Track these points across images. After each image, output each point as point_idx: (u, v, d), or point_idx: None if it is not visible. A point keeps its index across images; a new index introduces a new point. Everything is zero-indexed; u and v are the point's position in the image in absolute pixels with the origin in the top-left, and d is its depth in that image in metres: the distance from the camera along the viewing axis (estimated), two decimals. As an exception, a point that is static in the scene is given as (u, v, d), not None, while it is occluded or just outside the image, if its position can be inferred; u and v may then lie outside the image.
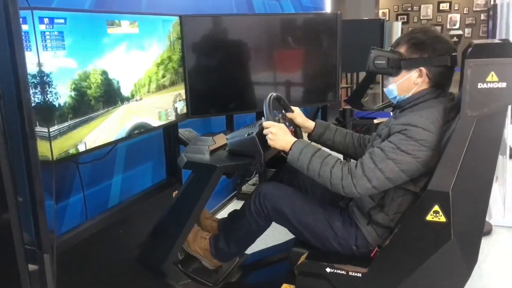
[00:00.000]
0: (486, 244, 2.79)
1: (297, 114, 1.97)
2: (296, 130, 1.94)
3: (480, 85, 1.40)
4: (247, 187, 3.68)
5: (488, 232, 2.94)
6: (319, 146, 1.78)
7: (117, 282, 1.97)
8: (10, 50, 0.77)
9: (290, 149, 1.68)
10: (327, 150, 1.77)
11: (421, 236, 1.56)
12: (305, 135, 2.02)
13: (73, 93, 1.58)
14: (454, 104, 1.61)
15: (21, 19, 0.87)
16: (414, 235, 1.58)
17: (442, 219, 1.49)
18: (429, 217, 1.51)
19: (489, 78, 1.39)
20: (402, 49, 1.67)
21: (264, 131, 1.73)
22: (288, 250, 1.89)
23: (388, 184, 1.57)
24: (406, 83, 1.67)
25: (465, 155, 1.44)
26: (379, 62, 1.66)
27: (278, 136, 1.70)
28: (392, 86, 1.70)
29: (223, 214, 3.20)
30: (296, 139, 1.72)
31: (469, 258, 1.58)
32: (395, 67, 1.66)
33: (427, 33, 1.66)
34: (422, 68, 1.63)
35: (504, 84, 1.38)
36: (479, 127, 1.43)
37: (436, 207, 1.49)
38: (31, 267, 0.85)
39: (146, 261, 1.94)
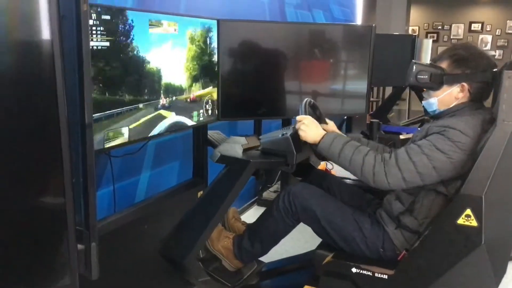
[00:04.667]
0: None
1: (331, 126, 1.99)
2: None
3: None
4: (268, 194, 3.69)
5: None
6: None
7: (138, 275, 2.01)
8: (77, 41, 0.81)
9: (322, 138, 1.71)
10: None
11: (452, 240, 1.55)
12: None
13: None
14: (492, 118, 1.62)
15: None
16: (444, 238, 1.57)
17: (474, 223, 1.48)
18: (460, 221, 1.49)
19: None
20: (444, 65, 1.69)
21: (297, 124, 1.75)
22: (309, 258, 1.90)
23: (418, 179, 1.59)
24: (448, 98, 1.70)
25: (500, 161, 1.45)
26: (422, 76, 1.68)
27: (311, 127, 1.74)
28: (433, 100, 1.72)
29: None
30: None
31: (498, 266, 1.56)
32: (437, 82, 1.68)
33: (469, 49, 1.69)
34: (464, 83, 1.65)
35: None
36: None
37: (468, 211, 1.48)
38: (79, 246, 0.90)
39: (169, 254, 1.96)
